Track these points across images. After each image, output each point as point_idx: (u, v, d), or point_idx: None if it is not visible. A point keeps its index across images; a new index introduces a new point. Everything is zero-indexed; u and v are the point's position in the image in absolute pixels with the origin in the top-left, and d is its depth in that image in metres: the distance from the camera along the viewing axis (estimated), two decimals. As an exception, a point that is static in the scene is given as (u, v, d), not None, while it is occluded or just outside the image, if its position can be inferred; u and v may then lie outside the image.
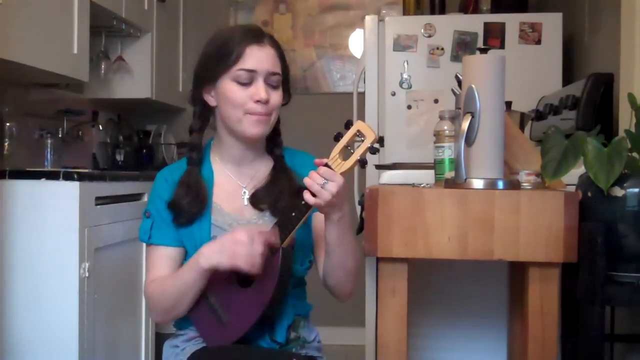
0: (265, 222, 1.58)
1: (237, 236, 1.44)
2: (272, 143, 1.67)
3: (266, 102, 1.55)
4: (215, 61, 1.58)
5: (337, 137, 1.44)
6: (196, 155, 1.63)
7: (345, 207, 1.49)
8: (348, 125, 1.44)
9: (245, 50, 1.55)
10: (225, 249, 1.45)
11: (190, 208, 1.57)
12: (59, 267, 2.18)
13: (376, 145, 1.43)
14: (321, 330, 1.70)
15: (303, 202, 1.44)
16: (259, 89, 1.54)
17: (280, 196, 1.58)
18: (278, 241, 1.47)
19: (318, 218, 1.59)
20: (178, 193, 1.58)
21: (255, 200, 1.60)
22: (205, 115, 1.64)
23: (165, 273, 1.59)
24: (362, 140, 1.42)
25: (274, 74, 1.57)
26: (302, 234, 1.60)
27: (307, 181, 1.42)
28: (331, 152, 1.44)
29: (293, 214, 1.47)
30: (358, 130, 1.42)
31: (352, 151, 1.43)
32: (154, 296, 1.58)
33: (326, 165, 1.43)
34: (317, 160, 1.45)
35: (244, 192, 1.63)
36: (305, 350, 1.62)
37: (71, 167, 2.92)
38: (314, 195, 1.42)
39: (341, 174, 1.43)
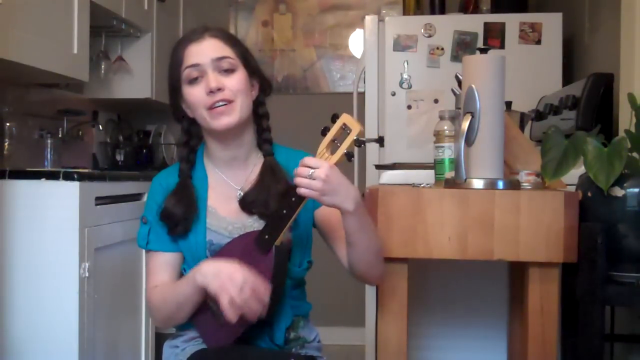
0: (261, 224, 1.57)
1: (235, 275, 1.42)
2: (260, 139, 1.64)
3: (218, 89, 1.52)
4: (171, 73, 1.59)
5: (324, 132, 1.44)
6: (185, 167, 1.62)
7: (354, 193, 1.42)
8: (334, 118, 1.43)
9: (185, 52, 1.56)
10: (219, 278, 1.43)
11: (181, 218, 1.56)
12: (59, 267, 2.18)
13: (363, 139, 1.45)
14: (321, 330, 1.70)
15: (293, 199, 1.43)
16: (208, 79, 1.53)
17: (269, 198, 1.55)
18: (268, 293, 1.45)
19: (322, 212, 1.57)
20: (168, 203, 1.57)
21: (245, 204, 1.58)
22: (191, 128, 1.64)
23: (165, 279, 1.59)
24: (348, 134, 1.41)
25: (220, 58, 1.54)
26: (299, 234, 1.59)
27: (296, 179, 1.41)
28: (318, 147, 1.43)
29: (284, 211, 1.46)
30: (344, 124, 1.41)
31: (339, 145, 1.42)
32: (156, 304, 1.59)
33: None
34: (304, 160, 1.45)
35: (239, 194, 1.61)
36: (305, 350, 1.62)
37: (71, 167, 2.92)
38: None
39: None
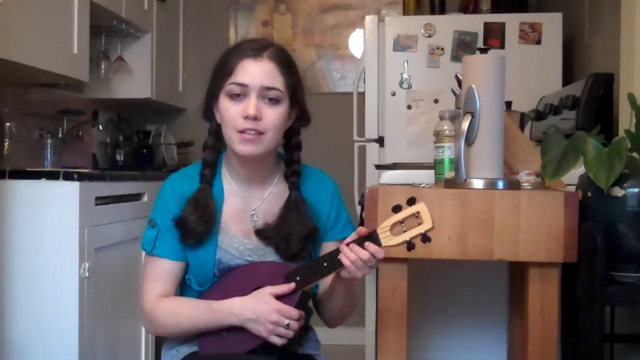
0: (272, 249, 1.56)
1: (274, 318, 1.44)
2: (288, 170, 1.60)
3: (255, 118, 1.47)
4: (215, 76, 1.54)
5: (396, 209, 1.38)
6: (209, 172, 1.57)
7: None
8: (410, 202, 1.38)
9: (239, 64, 1.49)
10: (262, 323, 1.45)
11: (197, 226, 1.52)
12: (59, 267, 2.17)
13: (429, 234, 1.36)
14: (321, 330, 1.70)
15: (338, 258, 1.40)
16: (249, 104, 1.47)
17: (289, 238, 1.54)
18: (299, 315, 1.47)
19: (327, 247, 1.58)
20: (186, 211, 1.53)
21: (262, 236, 1.56)
22: (220, 131, 1.57)
23: (167, 288, 1.56)
24: (419, 224, 1.37)
25: (270, 88, 1.49)
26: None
27: (351, 257, 1.38)
28: (384, 221, 1.39)
29: (325, 263, 1.44)
30: (418, 212, 1.37)
31: (404, 230, 1.38)
32: (163, 322, 1.55)
33: (375, 232, 1.39)
34: (363, 230, 1.41)
35: (253, 215, 1.58)
36: (302, 349, 1.62)
37: (71, 167, 2.91)
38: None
39: (385, 246, 1.39)
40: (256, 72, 1.49)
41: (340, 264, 1.41)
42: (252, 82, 1.48)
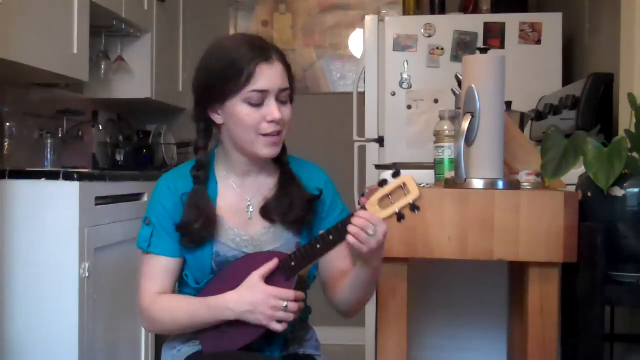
0: (269, 239, 1.57)
1: (272, 302, 1.44)
2: None
3: (279, 121, 1.51)
4: (222, 81, 1.52)
5: (382, 184, 1.39)
6: (203, 173, 1.58)
7: (382, 252, 1.45)
8: (396, 174, 1.39)
9: (256, 70, 1.49)
10: (260, 311, 1.45)
11: (201, 232, 1.53)
12: (59, 267, 2.18)
13: (417, 204, 1.36)
14: (321, 330, 1.70)
15: (331, 238, 1.41)
16: (272, 109, 1.50)
17: (292, 207, 1.55)
18: (296, 295, 1.47)
19: None
20: (188, 215, 1.54)
21: (266, 212, 1.57)
22: (211, 131, 1.60)
23: (166, 285, 1.57)
24: (406, 195, 1.37)
25: (284, 90, 1.53)
26: None
27: (352, 229, 1.38)
28: (372, 196, 1.39)
29: (318, 246, 1.44)
30: (404, 183, 1.37)
31: (392, 202, 1.38)
32: (161, 320, 1.55)
33: (363, 208, 1.39)
34: (363, 200, 1.42)
35: (249, 206, 1.59)
36: (303, 349, 1.62)
37: (71, 167, 2.92)
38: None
39: None
40: (273, 76, 1.52)
41: (333, 244, 1.42)
42: (272, 87, 1.51)
